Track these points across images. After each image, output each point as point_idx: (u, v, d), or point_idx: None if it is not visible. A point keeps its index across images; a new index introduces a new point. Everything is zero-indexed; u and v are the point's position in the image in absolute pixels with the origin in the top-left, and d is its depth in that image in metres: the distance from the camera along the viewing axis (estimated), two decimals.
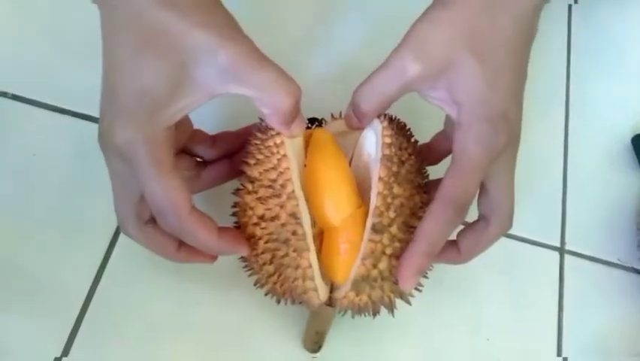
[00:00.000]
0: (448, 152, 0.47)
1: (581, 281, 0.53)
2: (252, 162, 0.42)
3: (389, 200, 0.40)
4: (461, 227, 0.42)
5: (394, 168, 0.40)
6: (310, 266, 0.40)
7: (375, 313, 0.43)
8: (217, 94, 0.38)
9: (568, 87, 0.62)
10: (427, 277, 0.43)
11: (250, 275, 0.44)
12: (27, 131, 0.52)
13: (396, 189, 0.40)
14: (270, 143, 0.41)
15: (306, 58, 0.59)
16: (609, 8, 0.67)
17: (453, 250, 0.43)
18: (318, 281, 0.41)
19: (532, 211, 0.54)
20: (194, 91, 0.38)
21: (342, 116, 0.45)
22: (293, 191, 0.40)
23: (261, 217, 0.41)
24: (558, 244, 0.55)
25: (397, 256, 0.40)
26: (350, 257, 0.41)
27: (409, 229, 0.40)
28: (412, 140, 0.45)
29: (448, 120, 0.45)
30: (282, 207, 0.40)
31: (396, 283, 0.40)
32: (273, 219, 0.40)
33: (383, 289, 0.41)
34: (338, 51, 0.59)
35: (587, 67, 0.63)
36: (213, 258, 0.44)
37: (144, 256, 0.46)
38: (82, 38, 0.52)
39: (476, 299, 0.51)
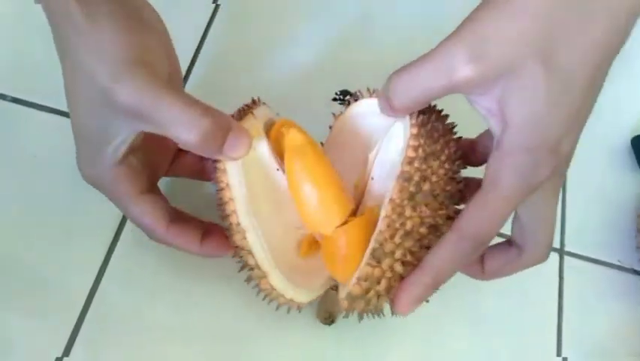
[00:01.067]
0: None
1: (581, 282, 0.53)
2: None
3: (397, 225, 0.36)
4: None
5: (412, 188, 0.36)
6: (273, 289, 0.39)
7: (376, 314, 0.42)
8: (137, 131, 0.37)
9: None
10: (427, 301, 0.41)
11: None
12: (26, 134, 0.52)
13: (408, 212, 0.36)
14: (219, 166, 0.39)
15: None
16: None
17: (476, 266, 0.40)
18: (290, 294, 0.40)
19: None
20: (118, 131, 0.37)
21: (377, 96, 0.40)
22: (238, 224, 0.38)
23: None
24: (558, 246, 0.54)
25: (401, 276, 0.37)
26: (347, 266, 0.39)
27: (423, 249, 0.37)
28: (451, 142, 0.39)
29: None
30: (232, 236, 0.40)
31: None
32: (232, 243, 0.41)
33: (377, 304, 0.39)
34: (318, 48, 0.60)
35: None
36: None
37: (145, 256, 0.47)
38: None
39: (475, 299, 0.51)
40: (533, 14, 0.31)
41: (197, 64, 0.57)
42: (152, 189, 0.42)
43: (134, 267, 0.49)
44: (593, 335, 0.52)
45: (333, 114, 0.46)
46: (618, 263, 0.54)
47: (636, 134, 0.59)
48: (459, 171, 0.40)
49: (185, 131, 0.35)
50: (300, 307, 0.42)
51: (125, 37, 0.35)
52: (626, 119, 0.60)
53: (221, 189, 0.39)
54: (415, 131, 0.36)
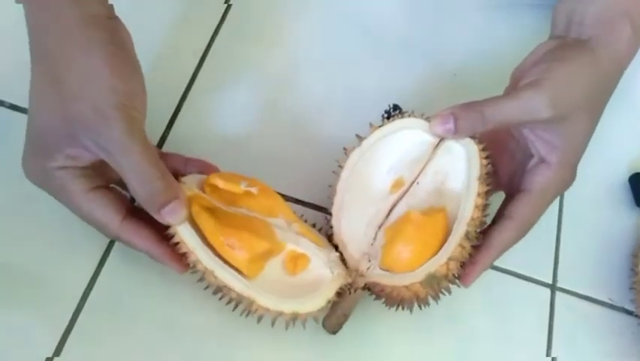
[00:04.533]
0: None
1: (571, 319, 0.53)
2: None
3: (481, 212, 0.44)
4: None
5: (488, 186, 0.45)
6: (268, 310, 0.42)
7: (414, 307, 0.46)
8: (98, 157, 0.41)
9: None
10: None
11: None
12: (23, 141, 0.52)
13: (485, 206, 0.45)
14: (170, 230, 0.43)
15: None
16: None
17: None
18: (290, 308, 0.42)
19: (525, 246, 0.52)
20: (77, 152, 0.41)
21: (430, 122, 0.46)
22: (205, 268, 0.42)
23: None
24: (550, 281, 0.54)
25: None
26: (418, 254, 0.44)
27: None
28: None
29: None
30: (207, 281, 0.43)
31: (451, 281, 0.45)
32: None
33: (448, 283, 0.45)
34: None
35: None
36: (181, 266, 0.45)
37: (139, 261, 0.47)
38: None
39: (465, 332, 0.51)
40: (594, 78, 0.45)
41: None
42: (105, 186, 0.44)
43: (129, 271, 0.49)
44: None
45: (370, 124, 0.49)
46: (609, 302, 0.54)
47: (634, 172, 0.59)
48: None
49: (139, 185, 0.41)
50: (316, 318, 0.44)
51: (113, 79, 0.40)
52: (623, 157, 0.60)
53: (180, 247, 0.43)
54: (481, 147, 0.46)
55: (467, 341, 0.51)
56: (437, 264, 0.43)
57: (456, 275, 0.45)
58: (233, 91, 0.58)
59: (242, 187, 0.46)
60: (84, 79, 0.40)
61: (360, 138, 0.49)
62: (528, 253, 0.54)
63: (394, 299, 0.45)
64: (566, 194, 0.57)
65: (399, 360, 0.49)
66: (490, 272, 0.53)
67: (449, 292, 0.45)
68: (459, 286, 0.46)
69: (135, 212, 0.45)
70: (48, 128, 0.41)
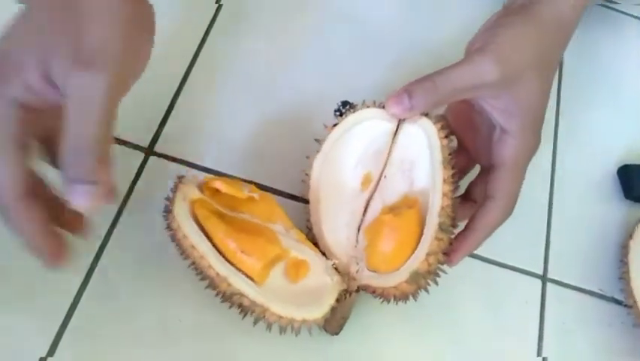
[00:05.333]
0: None
1: (562, 310, 0.54)
2: None
3: (450, 200, 0.43)
4: None
5: (452, 170, 0.44)
6: (281, 317, 0.42)
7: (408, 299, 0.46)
8: (49, 104, 0.37)
9: (557, 115, 0.62)
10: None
11: None
12: None
13: (453, 190, 0.44)
14: (177, 234, 0.42)
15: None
16: (602, 37, 0.67)
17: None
18: (301, 315, 0.42)
19: (516, 238, 0.54)
20: (40, 85, 0.36)
21: (385, 105, 0.45)
22: (217, 274, 0.42)
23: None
24: (541, 272, 0.55)
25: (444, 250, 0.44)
26: (399, 253, 0.44)
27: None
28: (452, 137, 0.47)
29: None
30: (218, 288, 0.42)
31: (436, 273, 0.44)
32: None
33: (433, 276, 0.44)
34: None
35: (577, 95, 0.63)
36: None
37: (133, 261, 0.47)
38: None
39: (456, 323, 0.52)
40: (538, 40, 0.45)
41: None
42: (27, 149, 0.39)
43: (122, 271, 0.49)
44: None
45: (325, 125, 0.49)
46: (600, 292, 0.55)
47: (622, 164, 0.60)
48: None
49: (72, 151, 0.35)
50: (320, 324, 0.44)
51: (125, 27, 0.38)
52: (612, 150, 0.61)
53: (189, 252, 0.42)
54: (440, 126, 0.45)
55: (459, 333, 0.51)
56: (418, 261, 0.43)
57: (441, 261, 0.44)
58: (225, 90, 0.58)
59: (245, 192, 0.45)
60: (97, 16, 0.36)
61: (319, 142, 0.49)
62: (519, 244, 0.55)
63: (387, 297, 0.46)
64: (556, 186, 0.59)
65: (395, 351, 0.50)
66: (482, 264, 0.54)
67: (436, 283, 0.45)
68: (446, 273, 0.46)
69: (42, 193, 0.41)
70: (26, 46, 0.37)
